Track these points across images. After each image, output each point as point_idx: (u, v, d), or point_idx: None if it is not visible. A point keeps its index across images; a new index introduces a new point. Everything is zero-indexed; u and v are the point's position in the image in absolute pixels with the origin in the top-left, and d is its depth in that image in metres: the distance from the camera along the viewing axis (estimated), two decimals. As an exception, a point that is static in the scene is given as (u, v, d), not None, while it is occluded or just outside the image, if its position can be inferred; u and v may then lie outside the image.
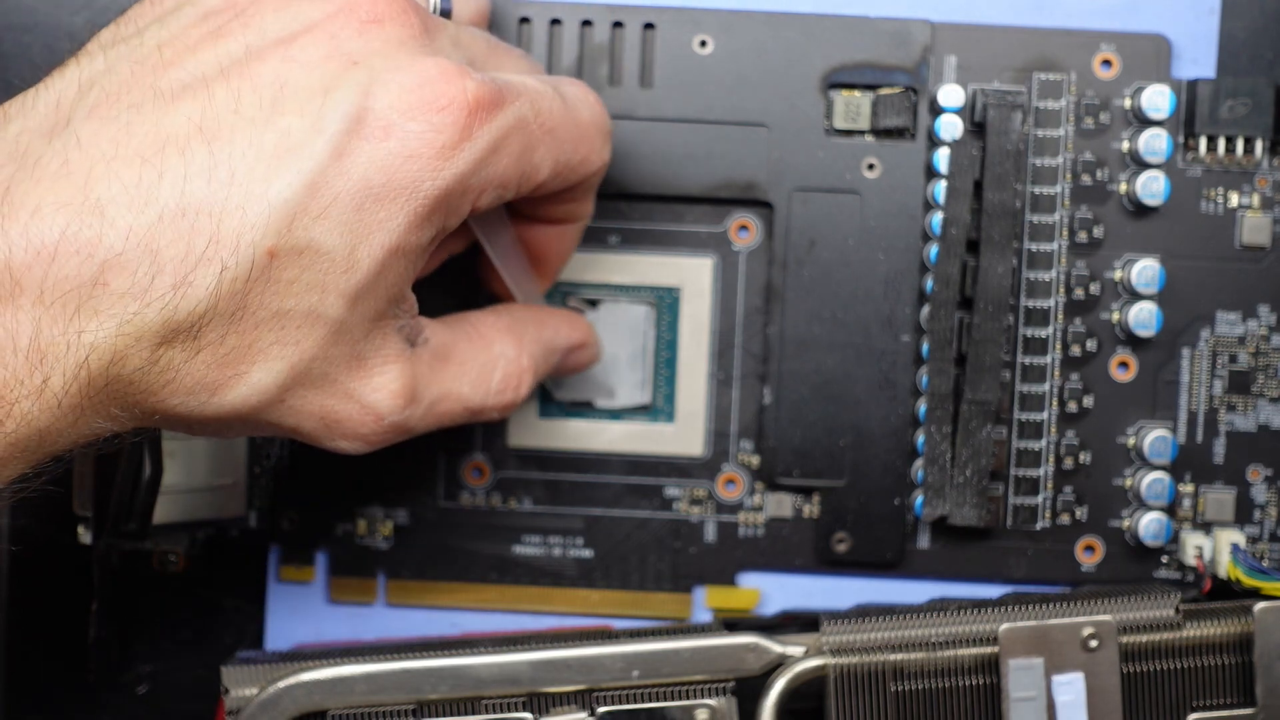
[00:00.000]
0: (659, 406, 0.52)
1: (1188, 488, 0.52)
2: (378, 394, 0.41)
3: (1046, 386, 0.51)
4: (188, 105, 0.38)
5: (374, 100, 0.38)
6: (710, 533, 0.52)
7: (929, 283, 0.50)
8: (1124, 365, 0.51)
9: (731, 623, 0.49)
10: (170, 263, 0.36)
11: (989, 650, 0.46)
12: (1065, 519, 0.52)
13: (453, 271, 0.49)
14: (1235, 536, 0.51)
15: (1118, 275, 0.51)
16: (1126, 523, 0.52)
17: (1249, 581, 0.48)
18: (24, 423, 0.36)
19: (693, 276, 0.52)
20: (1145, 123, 0.50)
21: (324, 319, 0.39)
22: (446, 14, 0.44)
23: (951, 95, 0.50)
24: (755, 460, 0.52)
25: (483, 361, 0.45)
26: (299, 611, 0.53)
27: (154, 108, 0.38)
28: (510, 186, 0.42)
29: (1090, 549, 0.52)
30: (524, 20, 0.51)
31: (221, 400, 0.38)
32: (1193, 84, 0.50)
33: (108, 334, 0.36)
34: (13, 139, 0.38)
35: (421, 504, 0.52)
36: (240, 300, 0.37)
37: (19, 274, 0.35)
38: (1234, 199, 0.51)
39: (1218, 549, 0.51)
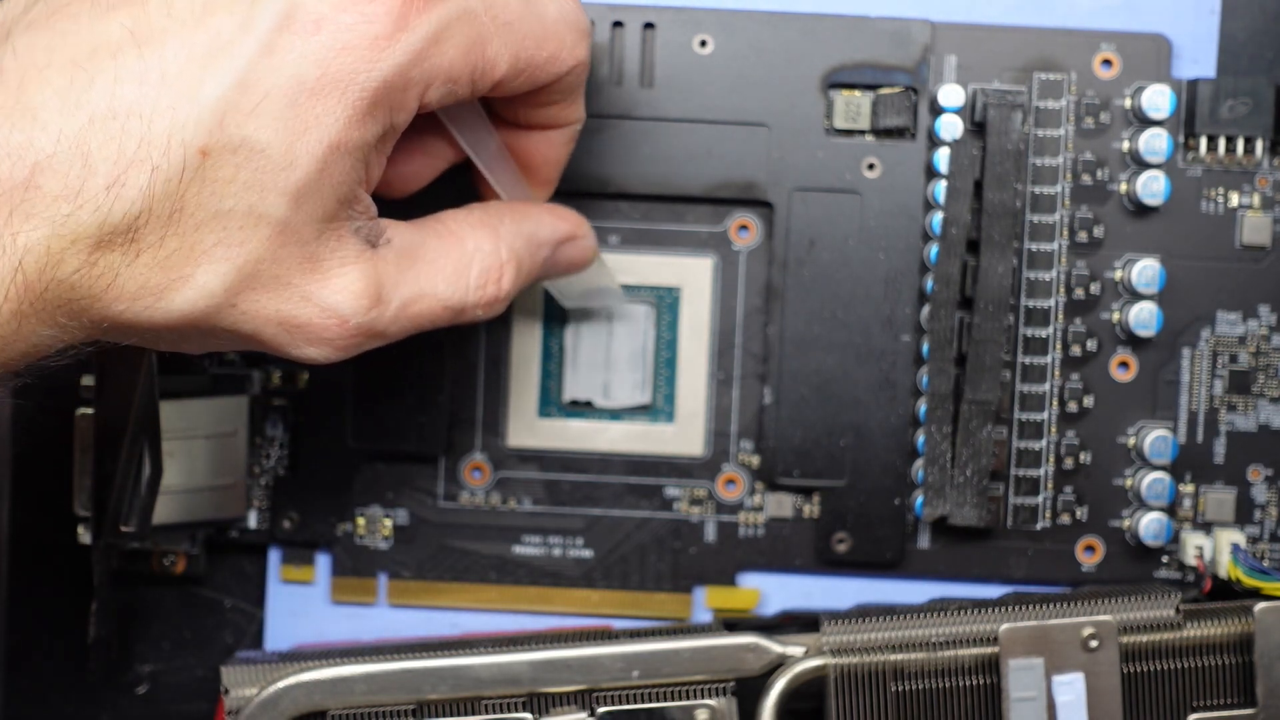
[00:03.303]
0: (659, 406, 0.52)
1: (1188, 488, 0.52)
2: (338, 296, 0.40)
3: (1047, 386, 0.51)
4: (122, 13, 0.38)
5: None
6: (710, 533, 0.52)
7: (929, 283, 0.50)
8: (1124, 365, 0.51)
9: (731, 623, 0.49)
10: (102, 164, 0.36)
11: (989, 650, 0.46)
12: (1065, 519, 0.51)
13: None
14: (1235, 536, 0.51)
15: (1118, 275, 0.51)
16: (1127, 523, 0.52)
17: (1249, 581, 0.48)
18: None
19: (693, 276, 0.52)
20: (1145, 123, 0.50)
21: (266, 218, 0.38)
22: None
23: (951, 95, 0.50)
24: (755, 460, 0.52)
25: (456, 258, 0.43)
26: (299, 611, 0.53)
27: (90, 18, 0.38)
28: (462, 81, 0.41)
29: (1090, 549, 0.52)
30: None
31: (169, 305, 0.38)
32: (1193, 84, 0.50)
33: (41, 236, 0.36)
34: None
35: (421, 504, 0.52)
36: (176, 201, 0.37)
37: None
38: (1234, 199, 0.51)
39: (1218, 549, 0.51)
